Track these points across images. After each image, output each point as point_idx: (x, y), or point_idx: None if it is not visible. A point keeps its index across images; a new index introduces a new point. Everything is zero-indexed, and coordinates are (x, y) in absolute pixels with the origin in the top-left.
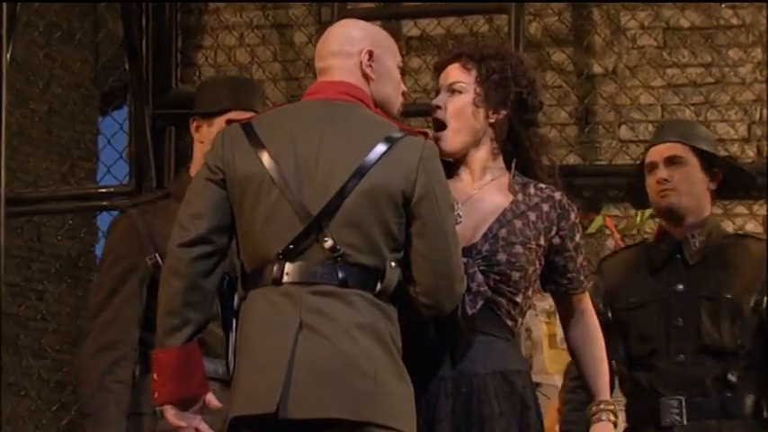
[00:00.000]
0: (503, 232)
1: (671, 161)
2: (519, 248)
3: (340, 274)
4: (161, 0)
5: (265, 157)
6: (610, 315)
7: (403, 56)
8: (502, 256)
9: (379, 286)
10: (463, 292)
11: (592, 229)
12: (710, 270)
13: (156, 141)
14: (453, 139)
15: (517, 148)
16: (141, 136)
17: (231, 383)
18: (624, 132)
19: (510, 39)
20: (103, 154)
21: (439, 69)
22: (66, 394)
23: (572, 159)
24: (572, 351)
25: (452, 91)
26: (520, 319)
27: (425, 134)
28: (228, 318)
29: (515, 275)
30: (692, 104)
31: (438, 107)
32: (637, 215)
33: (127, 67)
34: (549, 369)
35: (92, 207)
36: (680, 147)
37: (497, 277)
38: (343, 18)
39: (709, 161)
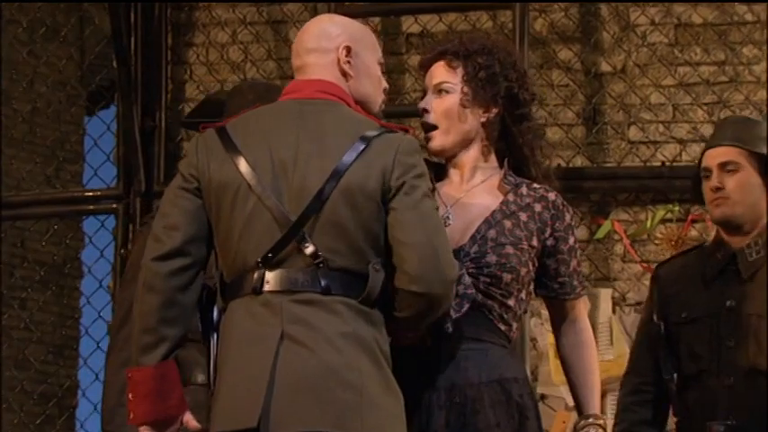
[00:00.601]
0: (491, 233)
1: (724, 167)
2: (509, 249)
3: (322, 281)
4: None
5: (241, 164)
6: (662, 328)
7: (402, 53)
8: (491, 258)
9: (363, 292)
10: (455, 278)
11: (600, 235)
12: (764, 285)
13: (146, 143)
14: (443, 140)
15: (510, 146)
16: (129, 137)
17: (212, 398)
18: (634, 133)
19: (514, 35)
20: (90, 156)
21: (424, 68)
22: (50, 407)
23: (579, 161)
24: (562, 360)
25: (439, 92)
26: (514, 324)
27: (406, 130)
28: (208, 331)
29: (506, 277)
30: (705, 104)
31: (425, 110)
32: (647, 219)
33: (114, 65)
34: (555, 380)
35: (78, 211)
36: (734, 151)
37: (488, 279)
38: (340, 14)
39: (767, 164)
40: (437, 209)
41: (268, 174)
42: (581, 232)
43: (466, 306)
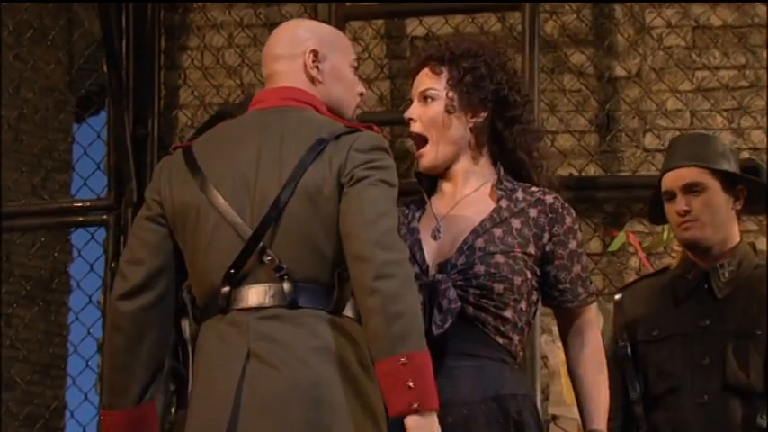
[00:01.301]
0: (479, 243)
1: (689, 189)
2: (499, 258)
3: (288, 295)
4: None
5: (204, 183)
6: (628, 349)
7: (407, 57)
8: (479, 268)
9: (332, 301)
10: (393, 260)
11: (614, 247)
12: (740, 304)
13: (138, 151)
14: (433, 157)
15: (503, 150)
16: (121, 145)
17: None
18: (649, 141)
19: (524, 38)
20: (79, 165)
21: (412, 77)
22: (36, 429)
23: (592, 170)
24: (569, 373)
25: (424, 99)
26: (515, 336)
27: (371, 128)
28: (185, 356)
29: (498, 287)
30: (724, 110)
31: (411, 120)
32: (663, 231)
33: (105, 69)
34: (568, 399)
35: (66, 223)
36: (697, 171)
37: (477, 291)
38: (341, 17)
39: (731, 180)
40: (392, 197)
41: (230, 189)
42: (594, 245)
43: (449, 321)
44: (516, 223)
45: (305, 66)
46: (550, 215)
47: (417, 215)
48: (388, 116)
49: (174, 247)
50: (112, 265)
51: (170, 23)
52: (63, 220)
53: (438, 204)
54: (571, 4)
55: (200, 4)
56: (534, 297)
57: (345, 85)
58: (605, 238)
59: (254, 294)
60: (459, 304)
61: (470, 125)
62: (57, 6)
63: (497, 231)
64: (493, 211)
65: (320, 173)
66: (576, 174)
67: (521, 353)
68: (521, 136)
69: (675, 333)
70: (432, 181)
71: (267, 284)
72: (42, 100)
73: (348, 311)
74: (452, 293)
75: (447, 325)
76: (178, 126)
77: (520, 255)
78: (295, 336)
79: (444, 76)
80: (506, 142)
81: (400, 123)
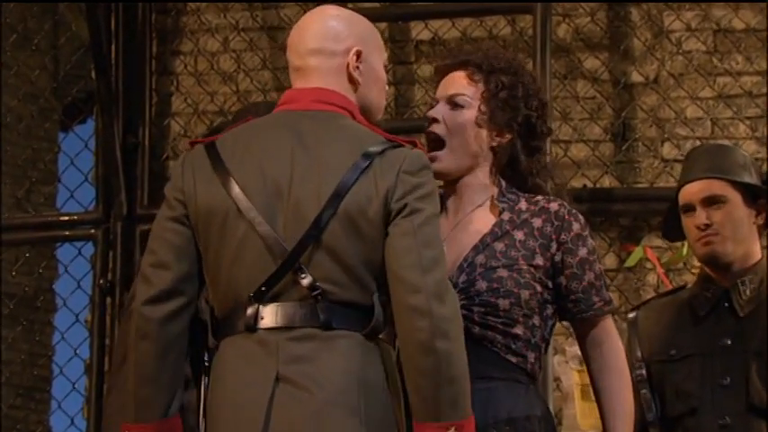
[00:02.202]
0: (480, 259)
1: (709, 202)
2: (502, 272)
3: (322, 315)
4: None
5: (230, 185)
6: (644, 371)
7: (411, 62)
8: (481, 285)
9: (368, 325)
10: (451, 315)
11: (630, 263)
12: (762, 322)
13: (127, 161)
14: (448, 162)
15: (518, 174)
16: (110, 155)
17: None
18: (668, 150)
19: (535, 43)
20: (65, 176)
21: (440, 74)
22: None
23: (607, 182)
24: (593, 388)
25: (453, 104)
26: (530, 354)
27: (413, 143)
28: (198, 371)
29: (503, 303)
30: (747, 118)
31: (435, 120)
32: (683, 246)
33: (93, 75)
34: (582, 424)
35: (51, 238)
36: (717, 183)
37: (482, 309)
38: None
39: (753, 193)
40: (440, 234)
41: (260, 196)
42: (609, 260)
43: None
44: (519, 235)
45: (347, 66)
46: (556, 223)
47: None
48: (392, 124)
49: (197, 251)
50: (100, 281)
51: (162, 27)
52: (48, 234)
53: (441, 224)
54: (585, 6)
55: (193, 6)
56: (548, 311)
57: (380, 87)
58: (621, 254)
59: (285, 313)
60: None
61: (493, 143)
62: (41, 8)
63: (499, 245)
64: (494, 224)
65: (365, 193)
66: (590, 185)
67: (539, 371)
68: (539, 164)
69: (694, 352)
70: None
71: (299, 303)
72: (26, 108)
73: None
74: None
75: None
76: (170, 135)
77: (525, 267)
78: (327, 359)
79: (480, 86)
80: (523, 169)
81: (404, 132)
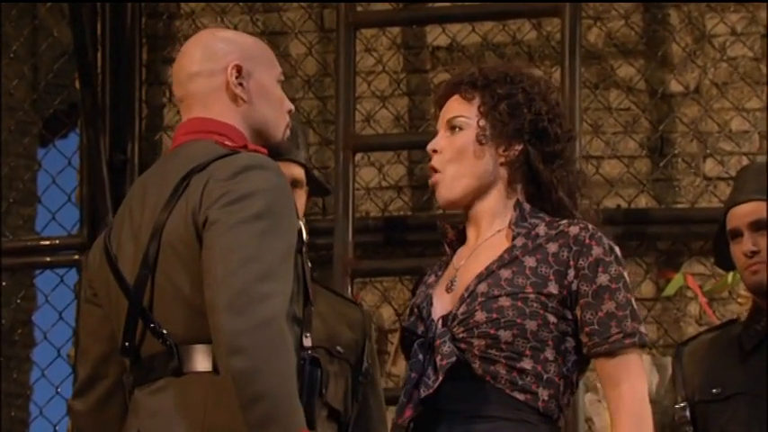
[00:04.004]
0: (482, 287)
1: (756, 226)
2: (504, 301)
3: (173, 361)
4: (120, 0)
5: (109, 251)
6: (687, 413)
7: (427, 71)
8: (480, 316)
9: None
10: (263, 320)
11: (669, 291)
12: None
13: (115, 180)
14: (451, 186)
15: (541, 190)
16: (95, 173)
17: None
18: (710, 167)
19: (563, 48)
20: (46, 196)
21: (439, 106)
22: None
23: (643, 201)
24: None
25: (452, 128)
26: (542, 391)
27: (257, 150)
28: None
29: (505, 335)
30: None
31: (434, 152)
32: (728, 273)
33: (77, 85)
34: None
35: (30, 264)
36: (765, 206)
37: (482, 342)
38: (351, 24)
39: None
40: (257, 233)
41: (122, 252)
42: (646, 288)
43: (439, 380)
44: (530, 261)
45: (227, 83)
46: (575, 248)
47: (441, 271)
48: (406, 138)
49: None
50: None
51: (153, 32)
52: (27, 260)
53: (460, 254)
54: (618, 7)
55: (187, 9)
56: (567, 344)
57: (272, 103)
58: (659, 281)
59: (147, 366)
60: (452, 359)
61: (502, 159)
62: (19, 11)
63: (505, 273)
64: (504, 251)
65: (180, 217)
66: (624, 206)
67: (556, 410)
68: (563, 172)
69: (741, 391)
70: (461, 233)
71: (155, 352)
72: (3, 121)
73: None
74: (447, 348)
75: (437, 384)
76: (162, 151)
77: (533, 296)
78: (176, 410)
79: (476, 102)
80: (544, 180)
81: (420, 147)
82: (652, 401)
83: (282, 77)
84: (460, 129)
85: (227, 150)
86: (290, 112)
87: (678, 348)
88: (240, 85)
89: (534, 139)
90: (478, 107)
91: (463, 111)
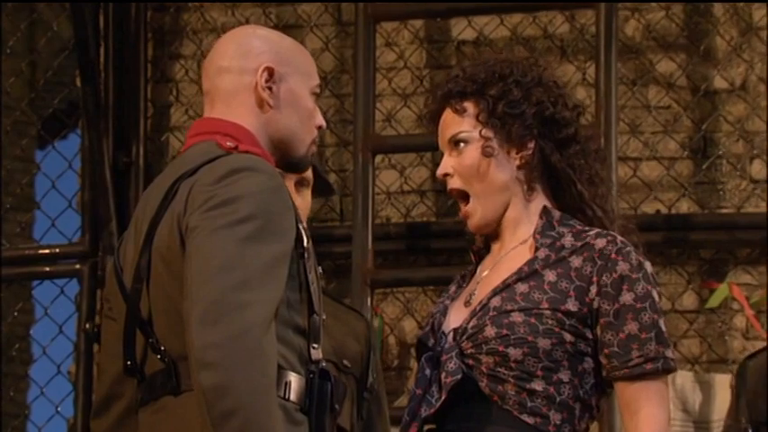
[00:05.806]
0: (495, 301)
1: None
2: (516, 317)
3: (173, 378)
4: None
5: (118, 257)
6: None
7: (451, 66)
8: (490, 331)
9: None
10: (241, 332)
11: (714, 303)
12: None
13: (119, 184)
14: (482, 212)
15: (560, 183)
16: (98, 176)
17: None
18: (757, 169)
19: (598, 42)
20: (45, 202)
21: (433, 122)
22: None
23: (685, 206)
24: None
25: (455, 145)
26: (554, 414)
27: (247, 151)
28: None
29: (515, 353)
30: None
31: (447, 175)
32: None
33: (78, 83)
34: None
35: (28, 275)
36: None
37: (491, 360)
38: (371, 17)
39: None
40: (238, 239)
41: (126, 263)
42: (688, 299)
43: (442, 398)
44: (551, 276)
45: (255, 85)
46: (599, 263)
47: (465, 283)
48: (429, 139)
49: None
50: (86, 326)
51: (159, 26)
52: (25, 270)
53: (483, 264)
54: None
55: (196, 2)
56: (586, 365)
57: (300, 114)
58: (702, 292)
59: (150, 385)
60: (458, 377)
61: (517, 162)
62: (16, 4)
63: (521, 287)
64: (525, 263)
65: (167, 225)
66: (664, 211)
67: None
68: (578, 159)
69: None
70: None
71: (156, 371)
72: None
73: None
74: (453, 365)
75: (439, 404)
76: (169, 153)
77: (549, 312)
78: (174, 430)
79: (471, 112)
80: (561, 173)
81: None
82: (696, 422)
83: (318, 90)
84: (464, 144)
85: (221, 152)
86: (320, 127)
87: (742, 364)
88: (269, 89)
89: (543, 129)
90: (476, 116)
91: (461, 125)
